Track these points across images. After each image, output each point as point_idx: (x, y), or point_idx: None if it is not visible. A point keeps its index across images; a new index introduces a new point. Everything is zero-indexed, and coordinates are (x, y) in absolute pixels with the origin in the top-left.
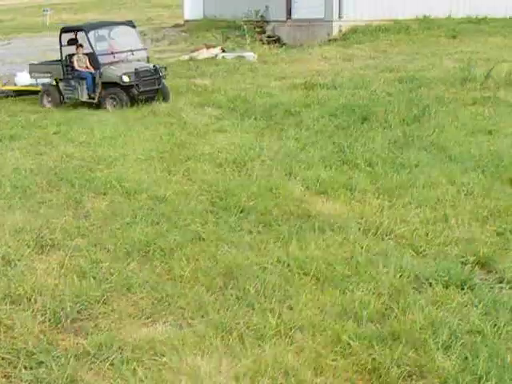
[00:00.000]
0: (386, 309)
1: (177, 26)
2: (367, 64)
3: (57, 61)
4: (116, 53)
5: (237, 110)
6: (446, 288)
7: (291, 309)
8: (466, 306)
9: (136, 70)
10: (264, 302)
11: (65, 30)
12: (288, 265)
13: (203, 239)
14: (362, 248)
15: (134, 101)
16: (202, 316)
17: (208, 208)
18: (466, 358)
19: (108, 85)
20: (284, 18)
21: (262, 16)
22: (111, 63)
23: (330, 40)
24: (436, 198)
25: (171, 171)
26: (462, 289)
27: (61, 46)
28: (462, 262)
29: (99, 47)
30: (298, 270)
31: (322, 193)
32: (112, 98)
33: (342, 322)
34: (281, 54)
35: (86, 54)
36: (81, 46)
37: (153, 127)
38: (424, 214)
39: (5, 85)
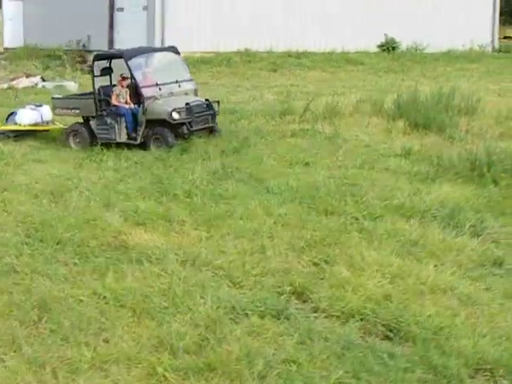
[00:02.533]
0: (202, 340)
1: None
2: None
3: (87, 94)
4: (162, 84)
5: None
6: (262, 318)
7: (107, 342)
8: (282, 335)
9: (188, 105)
10: (79, 334)
11: (99, 58)
12: (104, 297)
13: (17, 272)
14: (179, 279)
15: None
16: (15, 351)
17: (23, 240)
18: None
19: (152, 123)
20: (106, 48)
21: (83, 45)
22: (156, 97)
23: None
24: (253, 229)
25: None
26: (278, 319)
27: (93, 76)
28: (279, 293)
29: (140, 78)
30: (114, 302)
31: (141, 224)
32: (156, 138)
33: (158, 354)
34: None
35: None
36: (124, 76)
37: None
38: (241, 245)
39: (5, 124)
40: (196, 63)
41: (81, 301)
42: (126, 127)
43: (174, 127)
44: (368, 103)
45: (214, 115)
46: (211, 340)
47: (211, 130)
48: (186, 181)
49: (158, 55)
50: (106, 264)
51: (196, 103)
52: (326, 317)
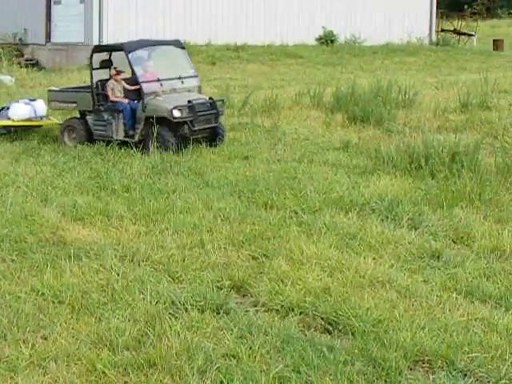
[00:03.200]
0: (142, 335)
1: None
2: None
3: (85, 87)
4: (163, 80)
5: None
6: (202, 313)
7: (45, 339)
8: (222, 330)
9: (190, 102)
10: (17, 332)
11: (98, 50)
12: (42, 293)
13: None
14: (118, 275)
15: (182, 142)
16: None
17: None
18: (222, 381)
19: (152, 120)
20: (43, 42)
21: (20, 39)
22: (157, 93)
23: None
24: (193, 224)
25: None
26: (218, 313)
27: (92, 68)
28: (218, 287)
29: (141, 72)
30: (52, 298)
31: (79, 219)
32: (155, 137)
33: (97, 350)
34: (39, 78)
35: (123, 80)
36: (119, 70)
37: None
38: (181, 240)
39: None
40: None
41: (19, 297)
42: (124, 124)
43: (175, 126)
44: (307, 96)
45: (217, 115)
46: (151, 335)
47: (214, 132)
48: (124, 175)
49: (160, 49)
50: (44, 260)
51: (199, 101)
52: (265, 311)
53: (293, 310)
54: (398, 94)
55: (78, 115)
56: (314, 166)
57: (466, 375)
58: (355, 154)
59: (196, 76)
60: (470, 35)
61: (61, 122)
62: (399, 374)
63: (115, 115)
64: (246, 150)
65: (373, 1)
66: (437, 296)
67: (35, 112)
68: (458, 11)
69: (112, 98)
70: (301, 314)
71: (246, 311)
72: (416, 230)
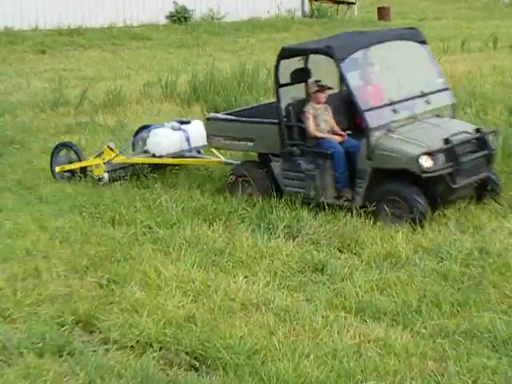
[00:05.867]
0: None
1: None
2: None
3: (258, 111)
4: (398, 102)
5: None
6: (41, 357)
7: None
8: (66, 376)
9: (447, 141)
10: None
11: (287, 54)
12: None
13: None
14: None
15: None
16: None
17: None
18: None
19: (383, 174)
20: None
21: None
22: (389, 127)
23: None
24: (25, 249)
25: None
26: (61, 356)
27: (278, 84)
28: (59, 324)
29: (362, 93)
30: None
31: None
32: (392, 201)
33: None
34: None
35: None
36: (321, 85)
37: None
38: (11, 269)
39: (119, 155)
40: None
41: None
42: (337, 178)
43: (424, 183)
44: (158, 86)
45: (489, 156)
46: None
47: (483, 186)
48: None
49: (389, 48)
50: None
51: (460, 137)
52: (118, 349)
53: (151, 345)
54: (267, 77)
55: (257, 158)
56: (168, 171)
57: None
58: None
59: (447, 89)
60: (350, 3)
61: (227, 161)
62: None
63: (320, 163)
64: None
65: None
66: (322, 317)
67: (189, 141)
68: None
69: (314, 133)
70: (161, 349)
71: (94, 351)
72: (294, 239)
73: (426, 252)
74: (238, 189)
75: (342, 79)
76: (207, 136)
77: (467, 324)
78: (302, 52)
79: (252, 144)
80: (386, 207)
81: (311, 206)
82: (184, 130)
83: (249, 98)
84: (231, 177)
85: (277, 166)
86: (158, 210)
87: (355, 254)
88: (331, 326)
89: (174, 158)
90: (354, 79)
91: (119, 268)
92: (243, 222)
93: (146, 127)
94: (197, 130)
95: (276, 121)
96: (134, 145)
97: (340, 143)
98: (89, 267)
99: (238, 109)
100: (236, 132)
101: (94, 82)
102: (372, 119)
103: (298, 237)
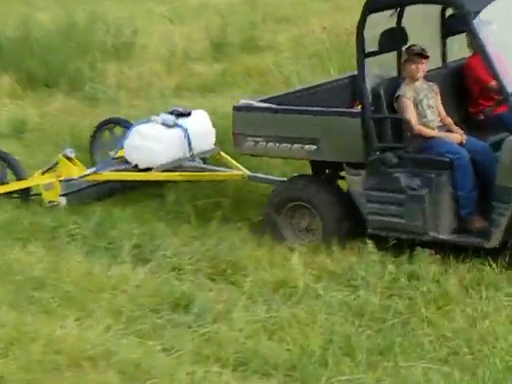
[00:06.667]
0: None
1: None
2: None
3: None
4: None
5: None
6: None
7: None
8: None
9: None
10: None
11: (377, 7)
12: None
13: None
14: None
15: None
16: None
17: None
18: None
19: None
20: None
21: None
22: None
23: None
24: None
25: None
26: None
27: (363, 53)
28: None
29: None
30: None
31: None
32: None
33: None
34: None
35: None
36: (420, 53)
37: None
38: None
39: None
40: None
41: None
42: (456, 200)
43: None
44: None
45: None
46: None
47: None
48: None
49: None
50: None
51: None
52: None
53: None
54: (105, 35)
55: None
56: None
57: None
58: (37, 141)
59: None
60: None
61: (263, 177)
62: None
63: (431, 177)
64: None
65: None
66: (187, 373)
67: (190, 144)
68: None
69: (419, 131)
70: None
71: None
72: (146, 264)
73: (333, 279)
74: (281, 219)
75: (476, 44)
76: (234, 136)
77: (391, 379)
78: (396, 3)
79: (316, 148)
80: None
81: (170, 216)
82: (182, 127)
83: (80, 64)
84: (273, 202)
85: (356, 182)
86: None
87: (233, 283)
88: None
89: (168, 171)
90: (492, 47)
91: None
92: (74, 240)
93: (117, 122)
94: (201, 127)
95: (357, 110)
96: (94, 151)
97: (459, 145)
98: None
99: (281, 92)
100: (287, 129)
101: None
102: None
103: (151, 261)
